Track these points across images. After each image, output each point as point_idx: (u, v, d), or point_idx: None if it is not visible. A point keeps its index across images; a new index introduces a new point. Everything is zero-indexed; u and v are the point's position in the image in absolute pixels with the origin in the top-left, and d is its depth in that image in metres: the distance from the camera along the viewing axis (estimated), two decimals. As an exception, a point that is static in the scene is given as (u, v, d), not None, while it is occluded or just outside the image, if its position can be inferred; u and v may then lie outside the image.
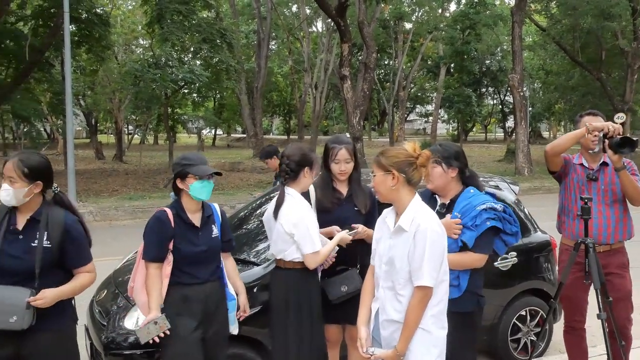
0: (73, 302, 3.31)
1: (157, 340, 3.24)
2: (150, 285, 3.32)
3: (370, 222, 3.72)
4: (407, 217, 2.94)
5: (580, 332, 4.33)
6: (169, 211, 3.38)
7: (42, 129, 32.74)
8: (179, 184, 3.39)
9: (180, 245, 3.36)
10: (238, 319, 3.70)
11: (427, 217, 2.94)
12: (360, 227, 3.76)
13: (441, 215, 3.53)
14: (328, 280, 3.81)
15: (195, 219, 3.45)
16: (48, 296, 2.98)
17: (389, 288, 3.01)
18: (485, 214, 3.38)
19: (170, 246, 3.37)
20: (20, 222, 3.05)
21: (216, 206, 3.64)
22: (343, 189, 3.98)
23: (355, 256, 3.83)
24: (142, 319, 3.44)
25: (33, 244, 3.01)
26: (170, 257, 3.35)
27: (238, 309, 3.68)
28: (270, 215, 3.68)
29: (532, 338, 5.13)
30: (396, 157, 2.99)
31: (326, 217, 3.88)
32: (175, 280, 3.37)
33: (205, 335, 3.44)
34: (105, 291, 4.62)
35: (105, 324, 4.10)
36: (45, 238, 3.02)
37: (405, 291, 2.95)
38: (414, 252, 2.88)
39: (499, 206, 3.41)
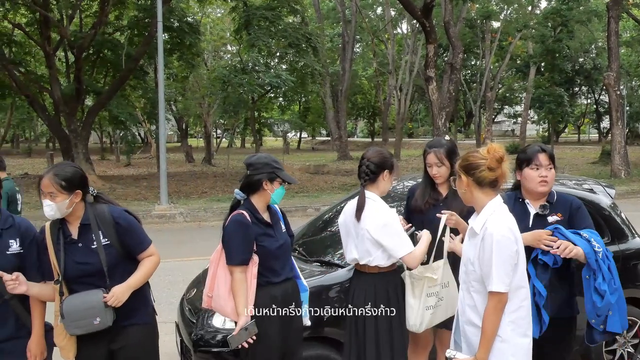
0: (151, 294, 3.43)
1: (246, 345, 3.30)
2: (238, 290, 3.33)
3: None
4: (480, 220, 2.93)
5: None
6: (246, 213, 3.40)
7: (137, 133, 34.33)
8: (265, 186, 3.43)
9: (264, 242, 3.41)
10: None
11: (496, 221, 2.88)
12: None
13: (543, 217, 3.51)
14: None
15: (266, 217, 3.52)
16: (117, 292, 3.10)
17: (466, 289, 3.02)
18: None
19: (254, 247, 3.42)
20: (74, 231, 3.17)
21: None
22: (444, 191, 3.96)
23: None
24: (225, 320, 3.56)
25: (93, 247, 3.12)
26: (255, 258, 3.39)
27: None
28: (350, 219, 3.65)
29: (629, 350, 4.87)
30: (466, 160, 2.99)
31: (419, 217, 3.92)
32: (263, 280, 3.41)
33: (287, 334, 3.48)
34: (195, 290, 4.76)
35: (194, 321, 4.23)
36: (101, 237, 3.14)
37: (477, 295, 2.93)
38: (483, 256, 2.86)
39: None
